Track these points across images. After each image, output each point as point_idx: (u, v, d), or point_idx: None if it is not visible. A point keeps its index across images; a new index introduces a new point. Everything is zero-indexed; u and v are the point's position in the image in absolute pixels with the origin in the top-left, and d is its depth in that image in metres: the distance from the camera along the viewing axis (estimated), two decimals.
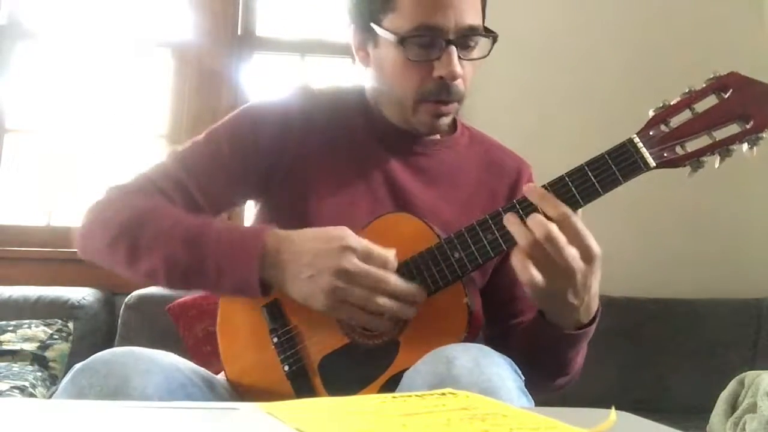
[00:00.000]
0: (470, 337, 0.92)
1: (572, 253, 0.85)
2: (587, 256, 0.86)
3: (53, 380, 1.93)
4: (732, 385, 1.76)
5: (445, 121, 1.03)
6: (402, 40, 0.97)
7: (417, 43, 0.97)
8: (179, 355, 0.94)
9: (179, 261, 0.92)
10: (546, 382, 1.00)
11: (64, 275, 2.20)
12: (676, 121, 0.90)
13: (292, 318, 0.98)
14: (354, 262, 0.86)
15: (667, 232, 2.49)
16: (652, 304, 2.32)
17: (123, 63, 2.52)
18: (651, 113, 0.91)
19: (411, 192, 1.05)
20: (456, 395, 0.63)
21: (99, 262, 0.99)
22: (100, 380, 0.79)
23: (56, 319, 2.04)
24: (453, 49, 0.96)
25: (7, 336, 1.96)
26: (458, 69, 0.97)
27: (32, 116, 2.49)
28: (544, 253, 0.84)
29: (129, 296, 2.10)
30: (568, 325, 0.93)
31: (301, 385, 0.97)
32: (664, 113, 0.90)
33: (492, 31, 1.01)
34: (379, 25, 1.00)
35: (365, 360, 0.94)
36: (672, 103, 0.91)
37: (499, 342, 0.98)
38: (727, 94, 0.89)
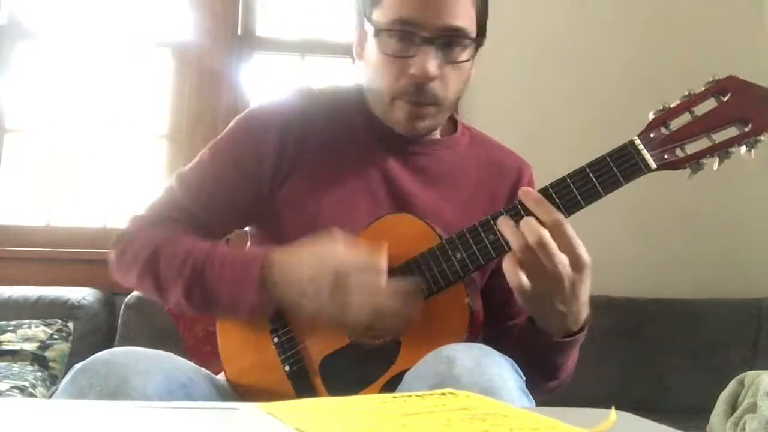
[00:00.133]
0: (471, 337, 0.92)
1: (562, 260, 0.85)
2: (577, 264, 0.86)
3: (53, 380, 1.93)
4: (732, 385, 1.76)
5: (423, 124, 1.01)
6: (377, 33, 0.98)
7: (392, 37, 0.97)
8: (179, 355, 0.94)
9: (193, 300, 0.96)
10: (536, 385, 1.01)
11: (64, 275, 2.20)
12: (675, 123, 0.91)
13: (292, 318, 0.98)
14: (346, 282, 0.87)
15: (667, 232, 2.49)
16: (652, 304, 2.32)
17: (123, 63, 2.52)
18: (651, 116, 0.92)
19: (410, 192, 1.04)
20: (456, 395, 0.63)
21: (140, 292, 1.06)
22: (100, 380, 0.79)
23: (56, 319, 2.04)
24: (428, 48, 0.95)
25: (7, 336, 1.96)
26: (431, 69, 0.95)
27: (32, 116, 2.49)
28: (534, 258, 0.84)
29: (129, 296, 2.10)
30: (556, 332, 0.93)
31: (302, 386, 0.97)
32: (664, 116, 0.92)
33: (477, 36, 0.99)
34: (369, 19, 1.00)
35: (366, 360, 0.94)
36: (672, 106, 0.92)
37: (496, 343, 0.98)
38: (726, 98, 0.91)
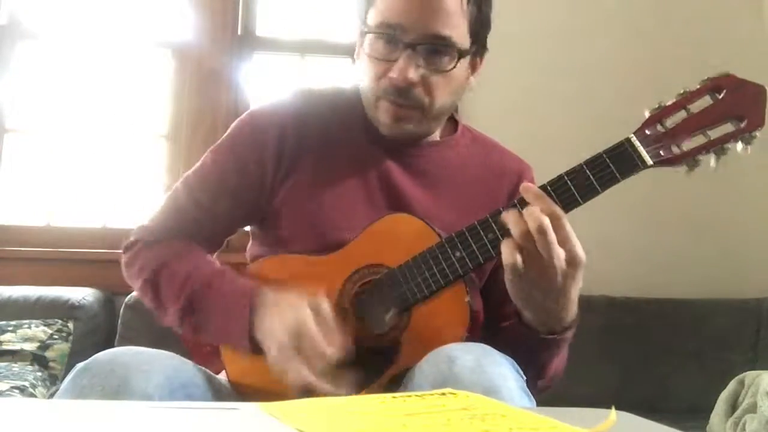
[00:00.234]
0: (471, 336, 0.92)
1: (559, 252, 0.85)
2: (572, 260, 0.86)
3: (53, 380, 1.92)
4: (732, 385, 1.76)
5: (405, 126, 1.01)
6: (365, 34, 1.00)
7: (378, 39, 0.98)
8: (180, 355, 0.94)
9: (185, 328, 1.00)
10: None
11: (64, 275, 2.20)
12: (671, 121, 0.92)
13: None
14: (294, 354, 0.88)
15: (667, 232, 2.49)
16: (652, 304, 2.32)
17: (123, 63, 2.52)
18: (647, 113, 0.93)
19: (408, 194, 1.04)
20: (456, 395, 0.63)
21: None
22: (102, 380, 0.79)
23: (56, 319, 2.04)
24: (408, 53, 0.96)
25: (7, 336, 1.96)
26: (410, 74, 0.96)
27: (32, 116, 2.49)
28: (532, 245, 0.85)
29: (129, 296, 2.10)
30: (541, 328, 0.93)
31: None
32: (660, 113, 0.92)
33: (473, 47, 0.99)
34: (363, 20, 1.01)
35: (366, 360, 0.94)
36: (667, 104, 0.93)
37: (489, 343, 0.98)
38: (721, 95, 0.91)
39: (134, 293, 2.05)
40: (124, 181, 2.48)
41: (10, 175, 2.42)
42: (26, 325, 1.99)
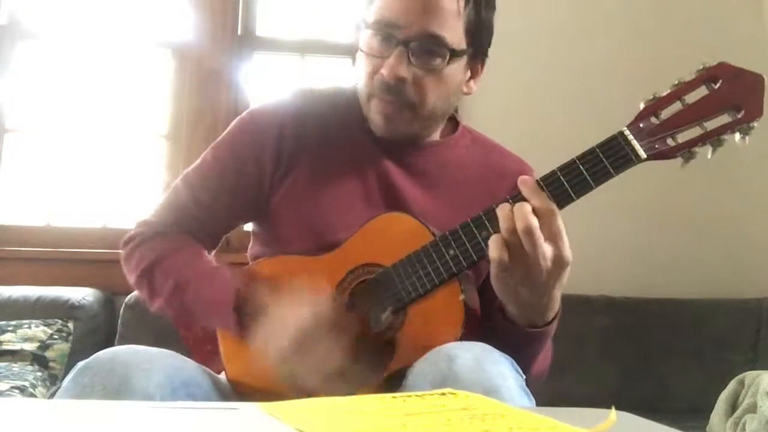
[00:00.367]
0: (468, 334, 0.91)
1: (544, 251, 0.86)
2: (558, 259, 0.87)
3: (53, 380, 1.92)
4: (732, 385, 1.76)
5: (396, 126, 1.01)
6: (362, 31, 1.00)
7: (374, 36, 0.99)
8: (181, 354, 0.94)
9: (173, 311, 1.03)
10: None
11: (64, 275, 2.20)
12: (666, 112, 0.90)
13: None
14: (299, 352, 0.89)
15: (667, 232, 2.49)
16: (652, 304, 2.32)
17: (123, 63, 2.52)
18: (641, 105, 0.91)
19: (406, 194, 1.05)
20: (456, 395, 0.63)
21: None
22: (102, 379, 0.79)
23: (56, 319, 2.04)
24: (399, 50, 0.96)
25: (7, 336, 1.96)
26: (399, 70, 0.96)
27: (32, 116, 2.49)
28: (519, 243, 0.85)
29: (129, 296, 2.10)
30: (523, 322, 0.93)
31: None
32: (655, 105, 0.91)
33: (455, 48, 0.98)
34: (364, 18, 1.02)
35: (363, 359, 0.94)
36: (662, 95, 0.91)
37: (481, 340, 0.98)
38: (717, 85, 0.90)
39: (134, 293, 2.08)
40: (124, 181, 2.48)
41: (10, 175, 2.42)
42: (26, 325, 1.99)
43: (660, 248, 2.47)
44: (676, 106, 0.91)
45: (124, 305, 2.10)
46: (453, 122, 1.14)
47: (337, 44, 2.59)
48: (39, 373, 1.90)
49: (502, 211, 0.88)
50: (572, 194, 0.89)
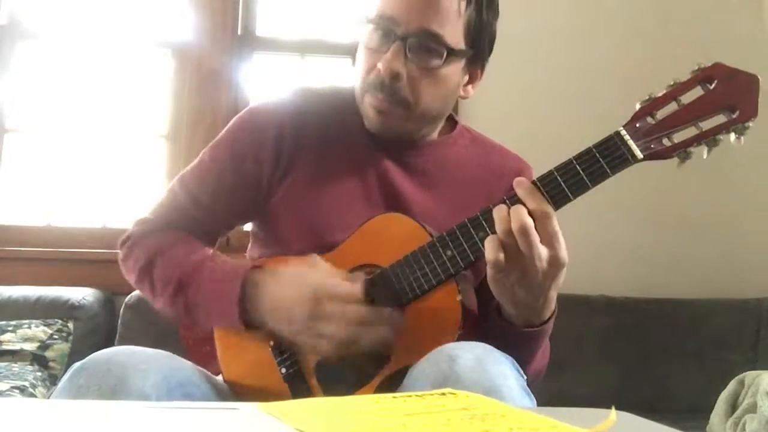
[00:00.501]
0: (466, 334, 0.91)
1: (540, 252, 0.86)
2: (554, 260, 0.87)
3: (53, 380, 1.92)
4: (732, 385, 1.76)
5: (388, 122, 1.01)
6: (363, 25, 1.00)
7: (374, 31, 0.99)
8: (179, 355, 0.94)
9: (178, 311, 1.01)
10: None
11: (64, 275, 2.20)
12: (662, 113, 0.91)
13: None
14: (323, 307, 0.89)
15: (667, 232, 2.49)
16: (652, 304, 2.32)
17: (123, 63, 2.52)
18: (638, 106, 0.91)
19: (405, 193, 1.04)
20: (456, 395, 0.63)
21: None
22: (99, 379, 0.79)
23: (56, 319, 2.04)
24: (397, 45, 0.96)
25: (7, 336, 1.96)
26: (395, 65, 0.96)
27: (32, 116, 2.49)
28: (515, 244, 0.85)
29: (129, 296, 2.10)
30: (520, 323, 0.94)
31: (298, 387, 0.97)
32: (651, 105, 0.91)
33: (453, 47, 0.98)
34: (367, 14, 1.02)
35: (361, 360, 0.94)
36: (658, 96, 0.91)
37: (477, 339, 0.98)
38: (713, 85, 0.90)
39: (135, 293, 2.08)
40: (124, 181, 2.48)
41: (10, 175, 2.42)
42: (26, 325, 1.99)
43: (659, 248, 2.47)
44: (672, 107, 0.91)
45: (124, 305, 2.10)
46: (452, 122, 1.14)
47: (337, 44, 2.59)
48: (39, 373, 1.90)
49: (498, 212, 0.88)
50: (569, 194, 0.89)
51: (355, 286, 0.90)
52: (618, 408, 0.56)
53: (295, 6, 2.67)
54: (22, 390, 1.79)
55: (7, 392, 1.76)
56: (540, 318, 0.94)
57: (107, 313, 2.17)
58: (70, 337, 2.02)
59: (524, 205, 0.87)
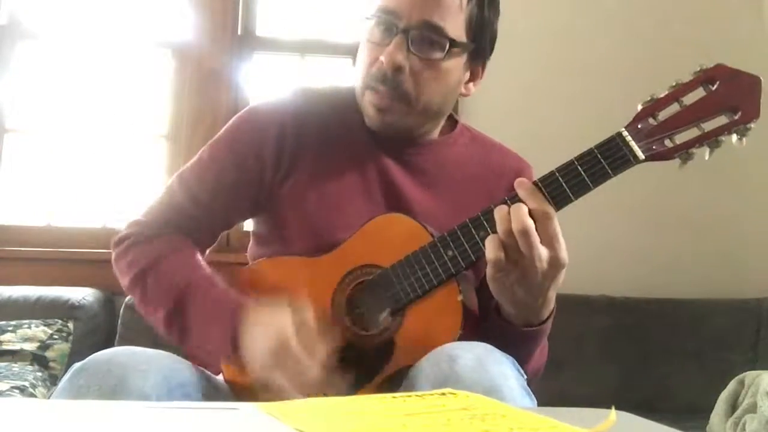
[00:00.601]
0: (466, 334, 0.92)
1: (541, 253, 0.86)
2: (554, 261, 0.87)
3: (53, 380, 1.93)
4: (732, 385, 1.76)
5: (388, 117, 1.00)
6: (365, 20, 1.00)
7: (376, 25, 0.99)
8: (178, 355, 0.94)
9: (170, 330, 0.98)
10: None
11: (64, 275, 2.20)
12: (664, 114, 0.91)
13: None
14: (284, 365, 0.86)
15: (667, 232, 2.49)
16: (653, 304, 2.32)
17: (123, 63, 2.52)
18: (639, 107, 0.91)
19: (406, 192, 1.04)
20: (456, 395, 0.63)
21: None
22: (99, 379, 0.79)
23: (56, 319, 2.04)
24: (399, 37, 0.96)
25: (7, 336, 1.96)
26: (397, 58, 0.96)
27: (32, 116, 2.49)
28: (515, 244, 0.86)
29: (129, 296, 2.09)
30: (519, 322, 0.94)
31: None
32: (652, 106, 0.91)
33: (455, 39, 0.98)
34: (368, 8, 1.02)
35: (361, 360, 0.94)
36: (660, 97, 0.91)
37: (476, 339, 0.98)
38: (715, 86, 0.90)
39: None
40: (124, 181, 2.48)
41: (10, 175, 2.42)
42: (26, 325, 1.99)
43: (660, 248, 2.47)
44: (674, 108, 0.91)
45: (124, 305, 2.10)
46: (452, 121, 1.14)
47: (337, 44, 2.59)
48: (39, 373, 1.90)
49: (499, 212, 0.88)
50: (570, 195, 0.89)
51: (319, 354, 0.87)
52: (618, 408, 0.56)
53: (295, 6, 2.67)
54: (22, 390, 1.79)
55: (7, 392, 1.76)
56: (539, 318, 0.94)
57: (107, 313, 2.17)
58: (70, 337, 2.02)
59: (525, 205, 0.87)
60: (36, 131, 2.51)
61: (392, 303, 0.95)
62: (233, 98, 2.44)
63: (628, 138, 0.89)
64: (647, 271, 2.43)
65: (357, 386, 0.93)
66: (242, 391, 1.00)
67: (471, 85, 1.07)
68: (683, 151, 0.90)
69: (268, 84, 2.57)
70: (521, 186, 0.89)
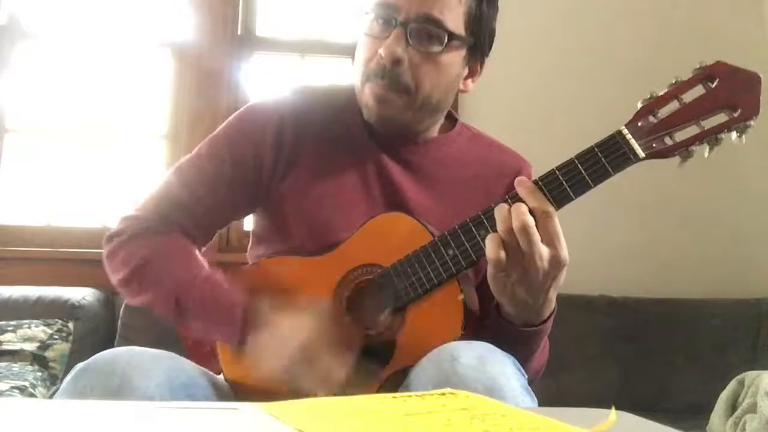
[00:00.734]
0: (467, 334, 0.91)
1: (541, 252, 0.86)
2: (554, 260, 0.87)
3: (53, 380, 1.93)
4: (732, 385, 1.76)
5: (388, 111, 1.00)
6: (364, 14, 1.00)
7: (374, 19, 0.99)
8: (179, 355, 0.94)
9: (170, 316, 0.98)
10: None
11: (64, 275, 2.20)
12: (664, 111, 0.91)
13: None
14: (310, 366, 0.89)
15: (667, 232, 2.49)
16: (653, 304, 2.33)
17: (123, 63, 2.52)
18: (639, 105, 0.91)
19: (404, 191, 1.04)
20: (456, 395, 0.63)
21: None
22: (102, 380, 0.79)
23: (56, 319, 2.04)
24: (398, 30, 0.96)
25: (7, 336, 1.96)
26: (396, 50, 0.96)
27: (32, 116, 2.49)
28: (515, 242, 0.86)
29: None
30: (520, 322, 0.94)
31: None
32: (652, 104, 0.91)
33: (453, 32, 0.98)
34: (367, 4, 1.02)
35: (363, 360, 0.94)
36: (660, 94, 0.91)
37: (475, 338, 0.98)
38: (714, 84, 0.90)
39: None
40: (125, 181, 2.48)
41: (10, 175, 2.42)
42: (26, 325, 1.99)
43: (660, 248, 2.47)
44: (674, 105, 0.91)
45: (124, 305, 2.10)
46: (451, 120, 1.14)
47: (337, 44, 2.60)
48: (39, 373, 1.90)
49: (499, 211, 0.88)
50: (571, 194, 0.89)
51: (347, 355, 0.90)
52: (618, 408, 0.56)
53: (295, 6, 2.67)
54: (22, 390, 1.79)
55: (7, 392, 1.76)
56: (540, 317, 0.94)
57: (107, 313, 2.17)
58: (70, 337, 2.02)
59: (525, 204, 0.87)
60: (36, 131, 2.51)
61: (393, 302, 0.95)
62: (233, 98, 2.44)
63: (628, 136, 0.89)
64: (647, 271, 2.44)
65: (359, 386, 0.93)
66: (243, 391, 1.00)
67: (469, 81, 1.07)
68: (683, 149, 0.90)
69: (267, 84, 2.57)
70: (522, 185, 0.89)
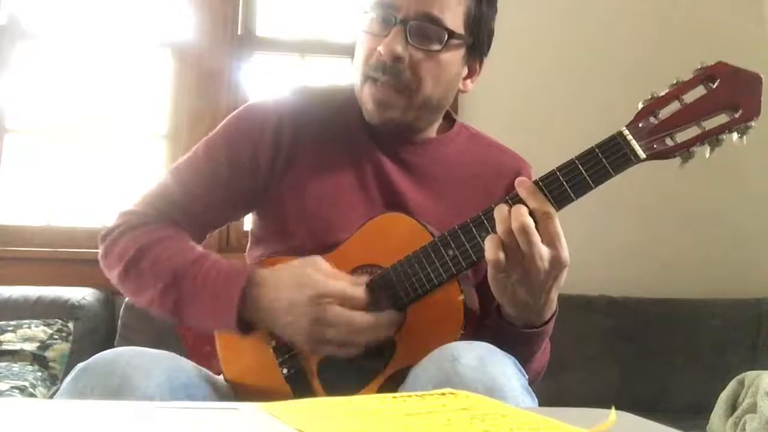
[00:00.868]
0: (467, 334, 0.91)
1: (542, 252, 0.86)
2: (555, 260, 0.87)
3: (53, 380, 1.93)
4: (732, 385, 1.76)
5: (388, 112, 1.00)
6: (363, 12, 1.00)
7: (374, 17, 0.99)
8: (179, 355, 0.94)
9: (166, 304, 0.96)
10: None
11: (64, 275, 2.20)
12: (665, 112, 0.90)
13: None
14: (326, 311, 0.88)
15: (667, 232, 2.49)
16: (653, 304, 2.33)
17: (123, 63, 2.52)
18: (640, 105, 0.91)
19: (403, 191, 1.04)
20: (456, 395, 0.63)
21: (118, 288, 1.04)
22: (102, 380, 0.79)
23: (56, 319, 2.04)
24: (398, 28, 0.96)
25: (7, 336, 1.96)
26: (395, 47, 0.96)
27: (32, 116, 2.49)
28: (515, 243, 0.85)
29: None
30: (520, 323, 0.94)
31: (301, 388, 0.97)
32: (653, 105, 0.91)
33: (453, 30, 0.98)
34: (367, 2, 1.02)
35: (363, 360, 0.93)
36: (660, 95, 0.91)
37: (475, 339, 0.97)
38: (715, 84, 0.89)
39: None
40: (125, 181, 2.47)
41: (10, 175, 2.42)
42: (26, 325, 1.99)
43: (660, 248, 2.48)
44: (675, 106, 0.90)
45: (124, 305, 2.10)
46: (450, 120, 1.14)
47: (337, 44, 2.60)
48: (39, 373, 1.90)
49: (499, 212, 0.88)
50: (572, 194, 0.89)
51: (358, 290, 0.90)
52: (618, 408, 0.56)
53: (295, 6, 2.67)
54: (22, 390, 1.79)
55: (7, 392, 1.76)
56: (541, 318, 0.93)
57: (107, 313, 2.17)
58: (70, 337, 2.02)
59: (526, 205, 0.87)
60: (36, 131, 2.51)
61: (393, 303, 0.95)
62: (233, 98, 2.44)
63: (629, 137, 0.89)
64: (647, 271, 2.44)
65: (358, 386, 0.93)
66: (243, 391, 1.00)
67: (469, 81, 1.07)
68: (684, 150, 0.90)
69: (267, 84, 2.57)
70: (522, 185, 0.89)
